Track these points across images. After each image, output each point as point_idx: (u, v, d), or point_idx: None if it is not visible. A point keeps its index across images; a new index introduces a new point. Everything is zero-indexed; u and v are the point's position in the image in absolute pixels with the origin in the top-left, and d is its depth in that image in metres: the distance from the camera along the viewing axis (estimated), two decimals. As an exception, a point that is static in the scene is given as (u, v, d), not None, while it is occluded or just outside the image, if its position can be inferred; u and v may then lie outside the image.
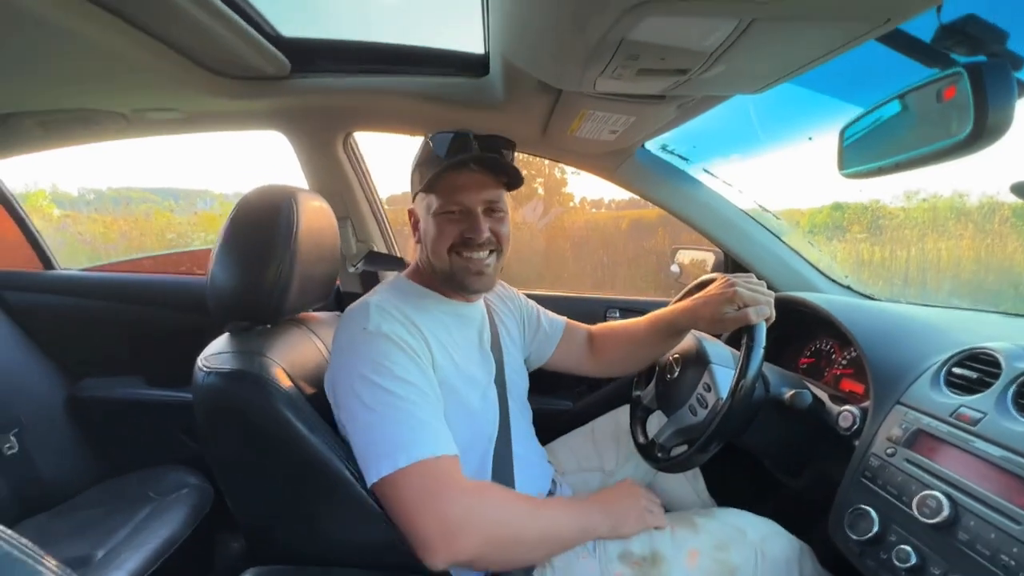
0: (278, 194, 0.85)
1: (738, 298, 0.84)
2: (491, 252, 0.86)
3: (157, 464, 1.40)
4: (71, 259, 1.75)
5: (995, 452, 0.61)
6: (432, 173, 0.81)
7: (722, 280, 0.91)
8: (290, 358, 0.86)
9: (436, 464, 0.68)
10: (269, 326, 0.91)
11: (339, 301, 1.54)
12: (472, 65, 1.01)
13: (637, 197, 1.38)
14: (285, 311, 0.89)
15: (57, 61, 0.89)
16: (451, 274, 0.86)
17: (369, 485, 0.68)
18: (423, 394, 0.73)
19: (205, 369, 0.78)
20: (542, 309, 1.17)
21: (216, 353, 0.82)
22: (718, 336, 1.06)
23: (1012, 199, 1.46)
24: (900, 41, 0.55)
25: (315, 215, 0.91)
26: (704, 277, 1.08)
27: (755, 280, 0.89)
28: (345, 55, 1.04)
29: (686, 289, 1.05)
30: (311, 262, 0.90)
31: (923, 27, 0.57)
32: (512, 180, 0.87)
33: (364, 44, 1.04)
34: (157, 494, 1.25)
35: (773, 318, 0.85)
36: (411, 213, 0.93)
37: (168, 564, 1.05)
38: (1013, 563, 0.53)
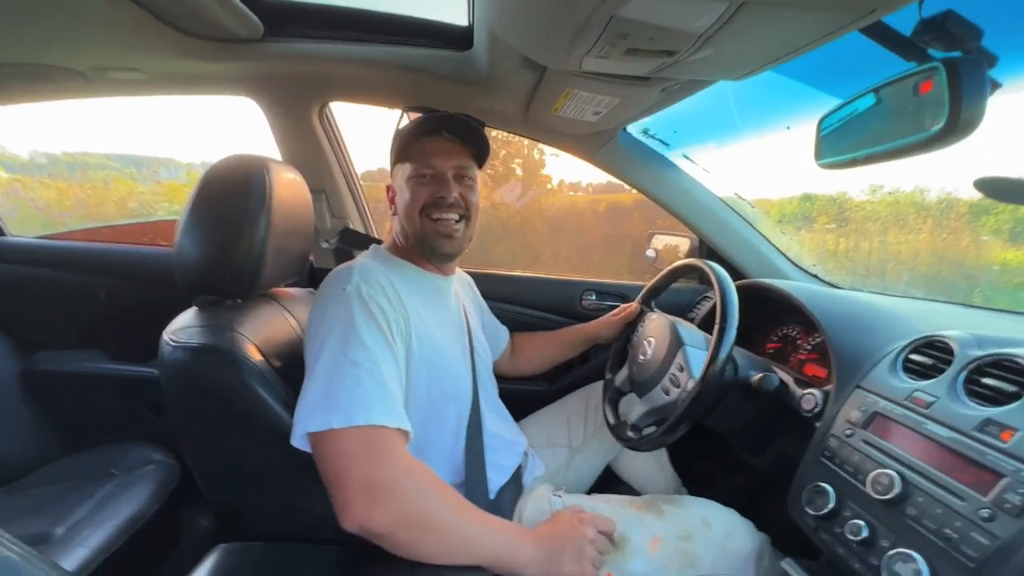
0: (250, 164, 0.82)
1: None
2: (461, 218, 0.91)
3: (120, 440, 1.36)
4: (23, 226, 1.65)
5: (944, 433, 0.65)
6: (404, 138, 0.89)
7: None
8: (262, 334, 0.84)
9: (386, 432, 0.67)
10: (240, 301, 0.89)
11: (312, 277, 1.51)
12: (456, 38, 0.98)
13: (614, 181, 1.38)
14: (256, 286, 0.87)
15: (8, 10, 0.82)
16: (422, 237, 0.90)
17: (307, 431, 0.66)
18: (386, 363, 0.72)
19: (172, 343, 0.76)
20: (494, 318, 1.27)
21: (184, 327, 0.79)
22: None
23: (968, 196, 1.53)
24: (881, 33, 0.56)
25: (288, 187, 0.88)
26: (684, 261, 1.11)
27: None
28: (322, 20, 0.99)
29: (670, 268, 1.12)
30: (284, 236, 0.87)
31: (903, 21, 0.58)
32: (480, 152, 0.94)
33: (342, 9, 0.99)
34: (120, 470, 1.21)
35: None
36: (388, 188, 0.97)
37: (133, 541, 1.02)
38: (956, 536, 0.57)
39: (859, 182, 1.72)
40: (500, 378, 1.17)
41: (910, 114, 0.52)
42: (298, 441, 0.69)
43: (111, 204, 2.99)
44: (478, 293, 1.23)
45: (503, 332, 1.28)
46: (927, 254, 1.55)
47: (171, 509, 1.18)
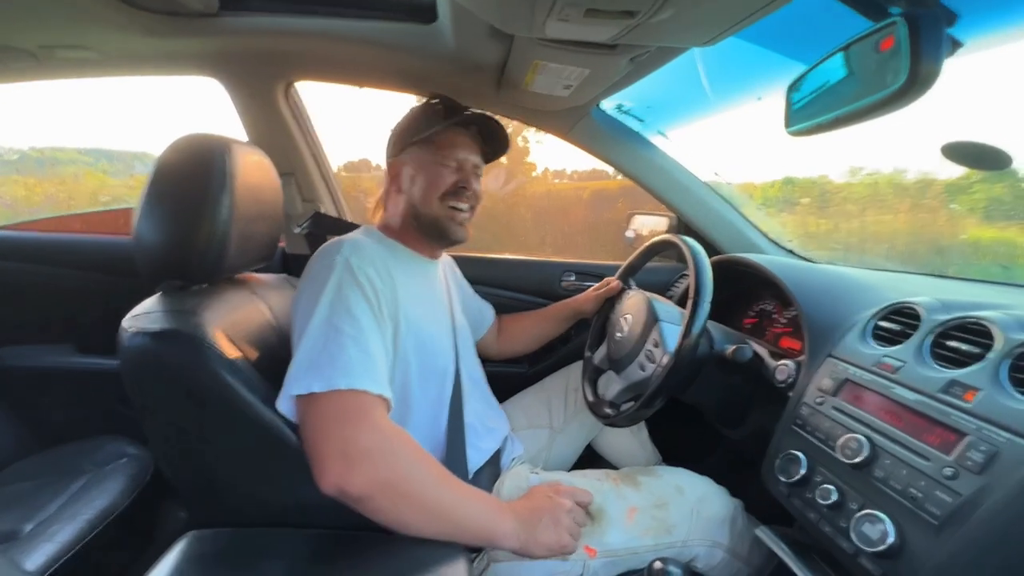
0: (210, 143, 0.79)
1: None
2: (470, 208, 0.96)
3: (94, 435, 1.33)
4: (-10, 223, 1.60)
5: (911, 396, 0.65)
6: (438, 127, 0.91)
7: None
8: (229, 319, 0.82)
9: (367, 398, 0.68)
10: (205, 286, 0.86)
11: (285, 263, 1.48)
12: (420, 9, 0.95)
13: (599, 168, 1.38)
14: (222, 270, 0.84)
15: None
16: (436, 220, 0.92)
17: (289, 394, 0.69)
18: (372, 332, 0.73)
19: (132, 330, 0.73)
20: (478, 297, 1.26)
21: (145, 313, 0.77)
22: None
23: (945, 175, 1.55)
24: (843, -10, 0.55)
25: (253, 168, 0.85)
26: (661, 237, 1.11)
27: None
28: (281, -7, 0.96)
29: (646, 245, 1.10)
30: (250, 219, 0.84)
31: (866, -21, 0.57)
32: (495, 153, 1.02)
33: (301, -18, 0.96)
34: (93, 465, 1.18)
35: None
36: (392, 165, 0.96)
37: (105, 535, 1.00)
38: (920, 495, 0.58)
39: (840, 164, 1.74)
40: (487, 360, 1.17)
41: (872, 73, 0.52)
42: (282, 406, 0.70)
43: (82, 199, 2.92)
44: (460, 274, 1.23)
45: (488, 310, 1.27)
46: (905, 233, 1.58)
47: (147, 502, 1.16)
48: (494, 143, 0.99)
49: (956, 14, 0.54)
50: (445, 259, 1.18)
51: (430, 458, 0.72)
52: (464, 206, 0.94)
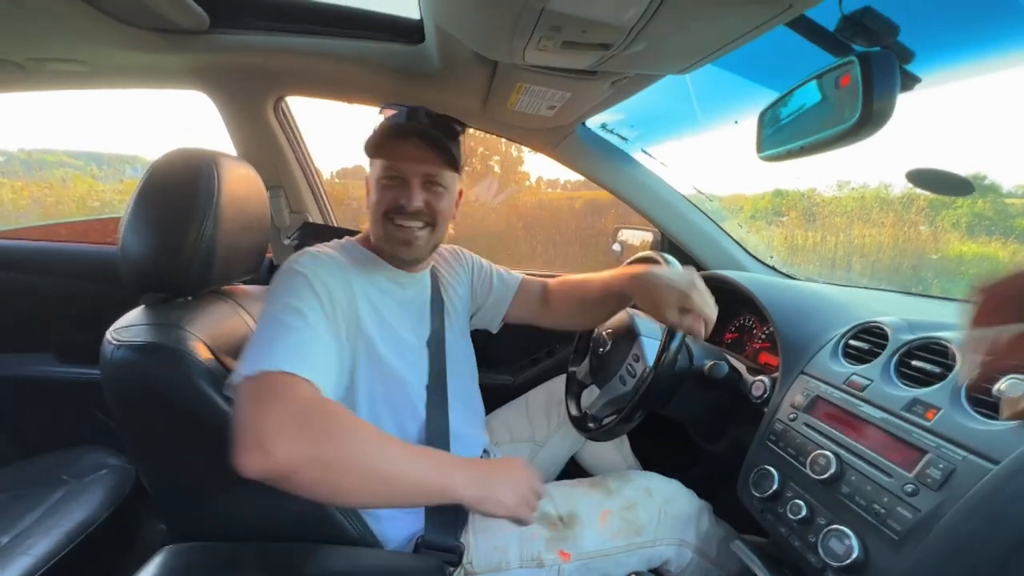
0: (198, 158, 0.80)
1: (691, 303, 0.82)
2: (425, 225, 0.87)
3: (74, 446, 1.31)
4: (-26, 227, 1.59)
5: (877, 414, 0.68)
6: (379, 139, 0.84)
7: (688, 280, 0.87)
8: (213, 332, 0.82)
9: (287, 377, 0.63)
10: (190, 298, 0.87)
11: (272, 275, 1.48)
12: (407, 31, 0.97)
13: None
14: (207, 282, 0.85)
15: None
16: (384, 240, 0.88)
17: (231, 383, 0.66)
18: (318, 327, 0.70)
19: (115, 342, 0.74)
20: (497, 269, 1.16)
21: (128, 326, 0.77)
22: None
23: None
24: (807, 28, 0.58)
25: (239, 181, 0.86)
26: (643, 253, 1.11)
27: (709, 294, 0.87)
28: (271, 12, 0.97)
29: (629, 261, 1.10)
30: (236, 231, 0.85)
31: (829, 17, 0.60)
32: (454, 159, 0.86)
33: (291, 1, 0.98)
34: (72, 476, 1.17)
35: (703, 337, 0.86)
36: (367, 181, 0.93)
37: (84, 547, 0.99)
38: (884, 511, 0.59)
39: (827, 178, 1.77)
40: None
41: (833, 106, 0.55)
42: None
43: (70, 203, 2.88)
44: (476, 265, 1.14)
45: (511, 284, 1.14)
46: (889, 248, 1.61)
47: (127, 514, 1.15)
48: (445, 152, 0.84)
49: (912, 52, 0.57)
50: (445, 253, 1.11)
51: (365, 425, 0.66)
52: (411, 223, 0.85)
